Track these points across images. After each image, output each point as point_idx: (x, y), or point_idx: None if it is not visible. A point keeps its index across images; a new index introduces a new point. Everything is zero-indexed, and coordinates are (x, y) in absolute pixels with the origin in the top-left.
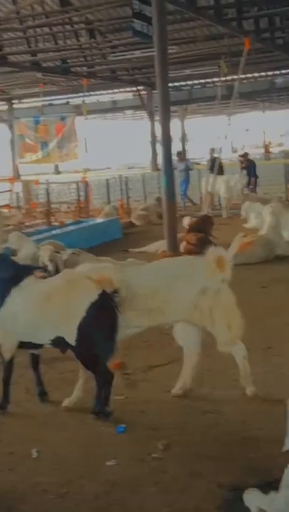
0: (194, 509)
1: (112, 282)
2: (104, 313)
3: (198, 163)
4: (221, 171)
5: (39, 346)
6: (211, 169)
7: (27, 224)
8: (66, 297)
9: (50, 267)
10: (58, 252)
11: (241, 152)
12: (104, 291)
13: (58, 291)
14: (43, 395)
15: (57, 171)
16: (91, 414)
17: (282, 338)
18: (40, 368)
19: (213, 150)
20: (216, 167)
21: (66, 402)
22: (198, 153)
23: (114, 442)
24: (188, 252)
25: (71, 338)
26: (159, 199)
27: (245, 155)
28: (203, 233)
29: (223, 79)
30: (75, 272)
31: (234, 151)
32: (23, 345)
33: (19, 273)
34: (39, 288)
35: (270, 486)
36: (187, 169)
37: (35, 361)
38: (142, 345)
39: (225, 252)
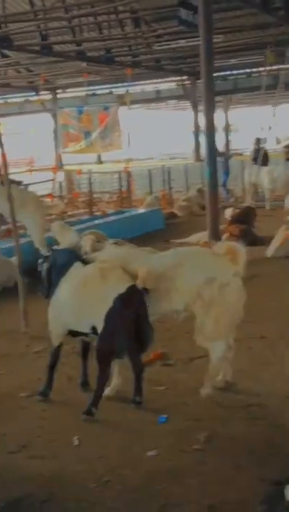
0: (236, 502)
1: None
2: (129, 307)
3: (241, 154)
4: (265, 162)
5: (86, 335)
6: (255, 160)
7: (69, 213)
8: (98, 286)
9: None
10: (100, 242)
11: (286, 143)
12: (133, 286)
13: (92, 279)
14: (85, 385)
15: (99, 161)
16: (132, 404)
17: None
18: (88, 358)
19: (258, 140)
20: (260, 158)
21: (108, 391)
22: (243, 144)
23: (155, 432)
24: None
25: (100, 328)
26: (200, 190)
27: (287, 146)
28: (246, 225)
29: (268, 68)
30: (109, 261)
31: (278, 141)
32: (73, 333)
33: (69, 261)
34: (78, 276)
35: None
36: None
37: (86, 350)
38: (184, 336)
39: (241, 247)
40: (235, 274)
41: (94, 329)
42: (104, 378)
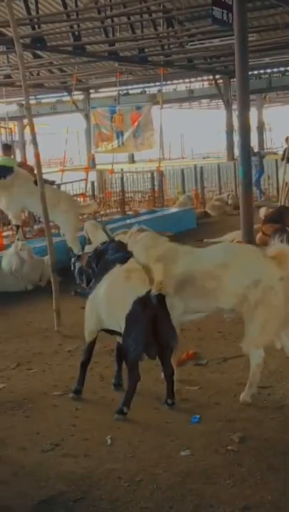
0: (271, 503)
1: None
2: (147, 310)
3: (275, 153)
4: None
5: (119, 333)
6: (288, 159)
7: (102, 213)
8: (122, 287)
9: None
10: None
11: None
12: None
13: (118, 279)
14: (118, 385)
15: (132, 161)
16: (164, 404)
17: None
18: (122, 360)
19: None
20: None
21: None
22: (277, 143)
23: (188, 432)
24: (264, 243)
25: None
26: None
27: None
28: (280, 224)
29: None
30: (137, 261)
31: None
32: (109, 331)
33: (116, 259)
34: (113, 275)
35: None
36: (261, 159)
37: (119, 352)
38: (217, 336)
39: None
40: (281, 279)
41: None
42: (134, 378)
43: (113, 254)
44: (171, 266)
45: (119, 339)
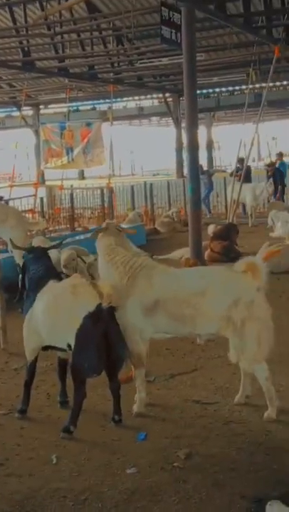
0: None
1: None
2: (98, 325)
3: (224, 171)
4: (248, 179)
5: (62, 350)
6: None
7: (50, 229)
8: (69, 303)
9: (66, 272)
10: (80, 258)
11: (268, 161)
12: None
13: (63, 296)
14: (64, 403)
15: (82, 177)
16: (111, 421)
17: None
18: (66, 376)
19: (242, 160)
20: (243, 175)
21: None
22: (226, 161)
23: (134, 450)
24: (213, 260)
25: (72, 345)
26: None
27: (271, 164)
28: (228, 241)
29: (251, 86)
30: (81, 278)
31: (261, 159)
32: (49, 347)
33: (49, 274)
34: (52, 292)
35: None
36: (209, 177)
37: (63, 369)
38: (164, 353)
39: (258, 260)
40: (258, 289)
41: (70, 346)
42: (80, 396)
43: (39, 268)
44: (146, 285)
45: (60, 355)
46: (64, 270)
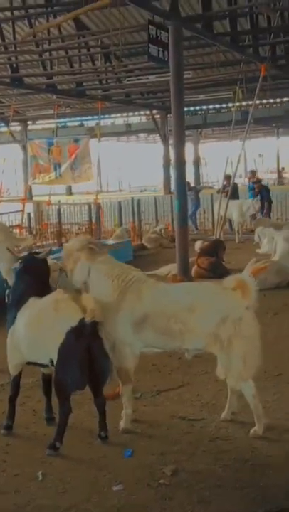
0: None
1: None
2: (81, 340)
3: (211, 187)
4: (235, 196)
5: (45, 366)
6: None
7: (38, 244)
8: (51, 318)
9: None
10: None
11: (254, 179)
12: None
13: (46, 311)
14: (50, 420)
15: (69, 193)
16: (98, 438)
17: None
18: (51, 392)
19: (228, 177)
20: (230, 191)
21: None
22: (212, 178)
23: (120, 467)
24: (200, 276)
25: (55, 360)
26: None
27: (257, 181)
28: (215, 257)
29: (238, 104)
30: (64, 293)
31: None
32: (31, 363)
33: (29, 291)
34: (34, 308)
35: None
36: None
37: (47, 384)
38: (151, 369)
39: (249, 278)
40: (247, 308)
41: (52, 362)
42: (65, 412)
43: (20, 284)
44: (135, 299)
45: (44, 370)
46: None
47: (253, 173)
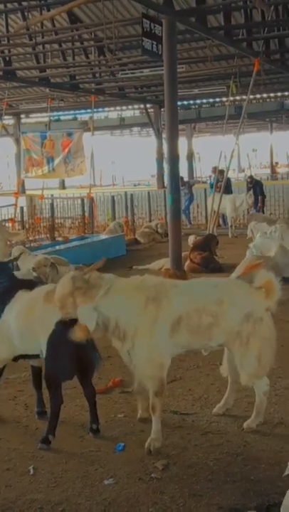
0: None
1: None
2: (70, 331)
3: (204, 182)
4: (228, 190)
5: (35, 356)
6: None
7: (30, 239)
8: (42, 309)
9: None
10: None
11: (248, 173)
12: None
13: (36, 303)
14: (41, 413)
15: (62, 186)
16: (89, 432)
17: (287, 361)
18: (41, 386)
19: (221, 172)
20: (224, 186)
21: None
22: (206, 172)
23: (112, 461)
24: (192, 271)
25: (44, 352)
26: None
27: (251, 176)
28: (208, 252)
29: (231, 99)
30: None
31: (241, 170)
32: (20, 358)
33: (15, 285)
34: (24, 301)
35: (269, 509)
36: (190, 188)
37: (37, 378)
38: None
39: (277, 282)
40: (267, 309)
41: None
42: (56, 403)
43: (3, 280)
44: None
45: (33, 363)
46: (33, 274)
47: (221, 171)
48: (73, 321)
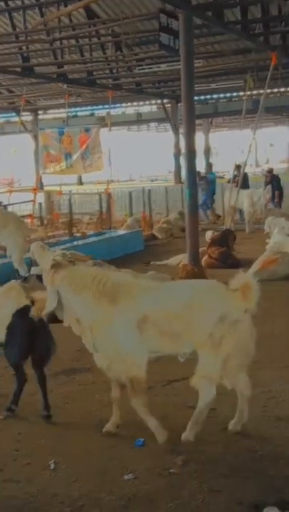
0: None
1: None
2: (23, 322)
3: (222, 177)
4: (246, 185)
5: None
6: (232, 183)
7: (49, 234)
8: (3, 303)
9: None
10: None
11: (267, 167)
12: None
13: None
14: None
15: (80, 182)
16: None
17: None
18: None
19: (238, 167)
20: (241, 181)
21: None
22: (223, 167)
23: (132, 456)
24: (210, 266)
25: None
26: (181, 213)
27: (270, 170)
28: (225, 247)
29: (248, 93)
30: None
31: (258, 165)
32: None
33: None
34: None
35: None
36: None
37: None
38: (161, 359)
39: (253, 280)
40: (246, 311)
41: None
42: (20, 380)
43: None
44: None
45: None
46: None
47: (238, 166)
48: (27, 313)
